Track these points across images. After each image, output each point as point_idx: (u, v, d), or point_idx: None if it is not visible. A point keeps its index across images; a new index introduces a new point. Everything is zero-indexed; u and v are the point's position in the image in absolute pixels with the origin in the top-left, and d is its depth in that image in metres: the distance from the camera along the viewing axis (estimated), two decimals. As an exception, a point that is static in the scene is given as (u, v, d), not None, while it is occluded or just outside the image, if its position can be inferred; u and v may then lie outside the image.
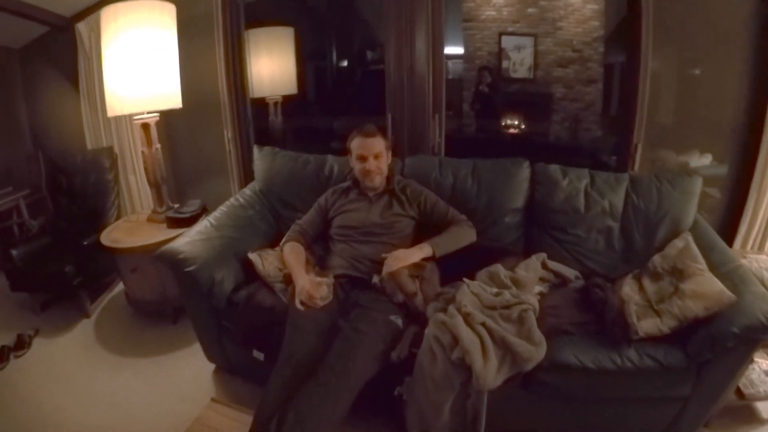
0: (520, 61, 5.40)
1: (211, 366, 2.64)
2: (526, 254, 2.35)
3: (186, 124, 3.61)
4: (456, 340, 1.80)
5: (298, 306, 2.03)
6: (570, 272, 2.25)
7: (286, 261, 2.30)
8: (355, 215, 2.39)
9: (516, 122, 3.98)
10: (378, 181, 2.39)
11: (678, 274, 2.06)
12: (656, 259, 2.19)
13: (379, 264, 2.18)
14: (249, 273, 2.38)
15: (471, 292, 2.00)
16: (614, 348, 1.90)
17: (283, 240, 2.42)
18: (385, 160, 2.39)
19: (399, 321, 1.99)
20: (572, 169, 2.46)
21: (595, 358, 1.88)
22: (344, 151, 2.47)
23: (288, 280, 2.27)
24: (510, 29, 5.55)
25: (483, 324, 1.85)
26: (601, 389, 1.96)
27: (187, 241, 2.37)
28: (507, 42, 5.52)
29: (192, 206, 3.12)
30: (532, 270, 2.15)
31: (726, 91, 2.72)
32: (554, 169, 2.44)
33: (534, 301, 1.94)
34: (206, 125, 3.53)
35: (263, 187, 2.93)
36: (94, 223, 3.27)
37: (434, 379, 1.81)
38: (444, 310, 1.97)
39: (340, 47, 4.07)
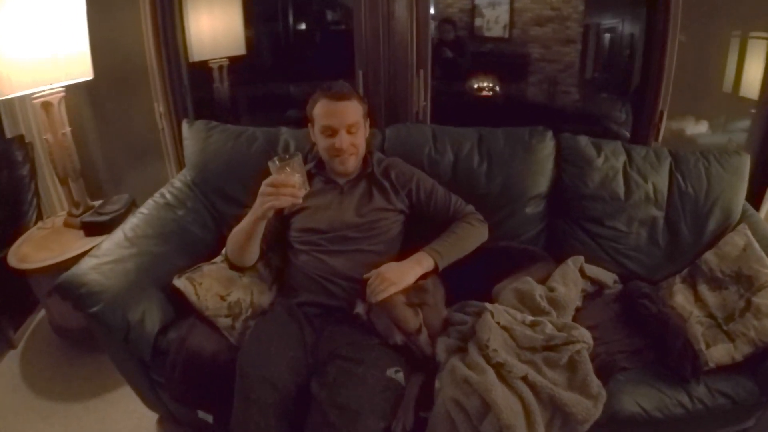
0: (494, 19, 4.86)
1: (154, 414, 2.03)
2: (550, 253, 1.84)
3: (106, 99, 2.74)
4: (486, 406, 1.29)
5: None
6: (609, 277, 1.76)
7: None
8: (321, 214, 1.74)
9: (487, 84, 3.41)
10: (352, 163, 1.74)
11: (746, 282, 1.62)
12: (710, 258, 1.74)
13: (361, 284, 1.57)
14: (180, 303, 1.69)
15: (498, 324, 1.47)
16: (680, 385, 1.46)
17: (225, 249, 1.77)
18: (363, 134, 1.75)
19: (400, 375, 1.42)
20: (604, 141, 1.91)
21: (661, 404, 1.43)
22: (303, 121, 1.80)
23: (234, 309, 1.67)
24: (484, -17, 4.98)
25: (524, 378, 1.34)
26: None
27: (95, 263, 1.65)
28: (480, -1, 4.99)
29: (116, 204, 2.36)
30: (572, 283, 1.64)
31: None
32: (585, 142, 1.89)
33: (587, 335, 1.44)
34: (132, 99, 2.68)
35: (196, 175, 2.14)
36: (10, 230, 2.43)
37: (456, 455, 1.32)
38: (461, 350, 1.45)
39: (297, 5, 3.28)
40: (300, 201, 1.49)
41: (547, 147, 1.89)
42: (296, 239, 1.75)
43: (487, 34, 4.85)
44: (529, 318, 1.50)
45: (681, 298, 1.68)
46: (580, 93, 3.36)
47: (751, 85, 2.30)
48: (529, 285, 1.59)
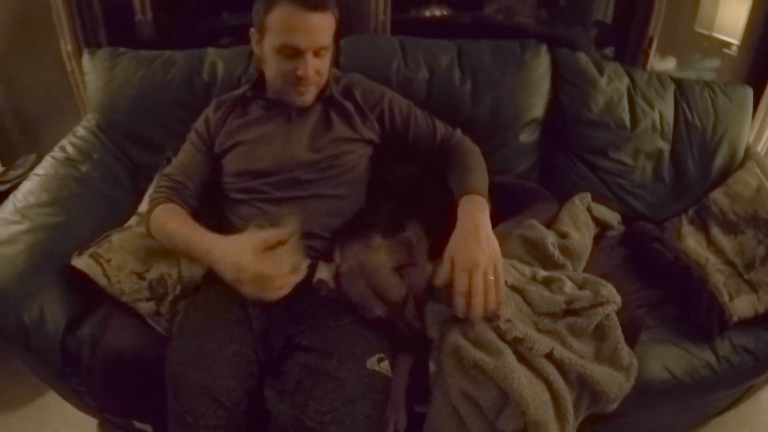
0: None
1: (94, 421, 1.60)
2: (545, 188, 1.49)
3: (5, 44, 2.03)
4: (504, 395, 0.97)
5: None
6: (614, 218, 1.46)
7: (167, 237, 1.19)
8: (262, 150, 1.27)
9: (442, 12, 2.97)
10: (312, 94, 1.26)
11: (764, 226, 1.38)
12: (720, 198, 1.48)
13: (333, 238, 1.19)
14: (89, 288, 1.23)
15: (507, 285, 1.11)
16: (705, 343, 1.23)
17: (149, 206, 1.27)
18: (330, 58, 1.26)
19: (386, 365, 1.04)
20: (602, 60, 1.57)
21: (690, 367, 1.20)
22: (239, 33, 1.32)
23: (158, 289, 1.22)
24: None
25: (548, 355, 1.02)
26: (686, 406, 1.31)
27: None
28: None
29: (21, 168, 1.81)
30: (584, 226, 1.31)
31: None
32: (585, 59, 1.53)
33: (616, 293, 1.12)
34: (37, 40, 2.00)
35: (101, 119, 1.62)
36: None
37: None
38: (455, 319, 1.06)
39: None
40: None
41: (542, 63, 1.52)
42: (231, 186, 1.29)
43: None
44: (542, 273, 1.16)
45: (692, 242, 1.42)
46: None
47: (725, 26, 2.05)
48: (538, 231, 1.24)
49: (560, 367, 1.02)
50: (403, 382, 1.07)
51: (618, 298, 1.10)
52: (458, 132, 1.37)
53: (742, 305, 1.27)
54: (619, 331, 1.09)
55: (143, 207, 1.42)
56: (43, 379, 1.40)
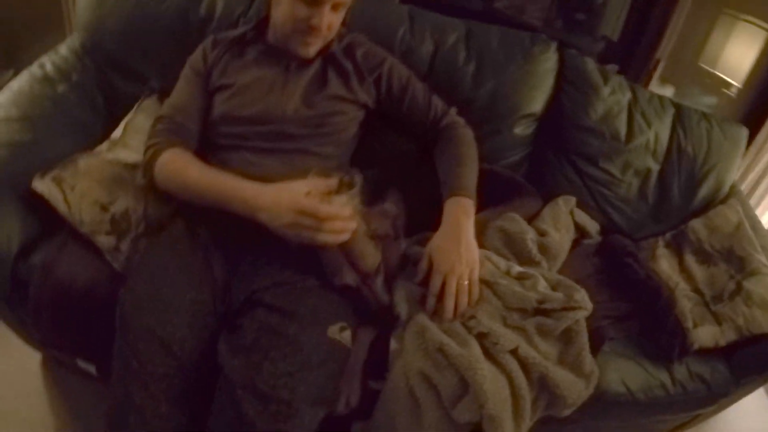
0: None
1: (38, 355, 1.53)
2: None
3: None
4: (464, 385, 0.93)
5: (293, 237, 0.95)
6: (593, 227, 1.43)
7: (187, 186, 1.07)
8: (253, 96, 1.18)
9: None
10: (318, 46, 1.19)
11: (737, 263, 1.37)
12: (698, 228, 1.46)
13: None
14: (48, 214, 1.14)
15: (481, 278, 1.07)
16: (663, 364, 1.22)
17: (149, 152, 1.13)
18: (342, 14, 1.18)
19: (347, 335, 0.99)
20: (609, 71, 1.52)
21: (646, 385, 1.19)
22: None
23: (121, 224, 1.15)
24: None
25: (514, 351, 0.98)
26: (632, 422, 1.29)
27: None
28: None
29: None
30: (564, 228, 1.27)
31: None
32: (592, 66, 1.48)
33: (588, 300, 1.09)
34: None
35: (87, 39, 1.50)
36: None
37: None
38: (425, 300, 1.04)
39: None
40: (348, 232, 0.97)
41: (550, 59, 1.46)
42: (215, 129, 1.20)
43: None
44: (517, 269, 1.11)
45: (666, 264, 1.40)
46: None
47: (730, 66, 2.06)
48: (518, 225, 1.20)
49: (524, 365, 0.98)
50: (361, 356, 1.02)
51: (590, 305, 1.07)
52: (453, 111, 1.31)
53: (705, 334, 1.25)
54: (585, 338, 1.06)
55: (116, 134, 1.33)
56: None
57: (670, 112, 1.54)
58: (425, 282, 1.05)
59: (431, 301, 1.03)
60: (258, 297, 0.99)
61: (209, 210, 1.06)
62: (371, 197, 1.10)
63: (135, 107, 1.40)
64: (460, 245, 1.05)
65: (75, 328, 1.13)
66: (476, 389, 0.91)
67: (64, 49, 1.50)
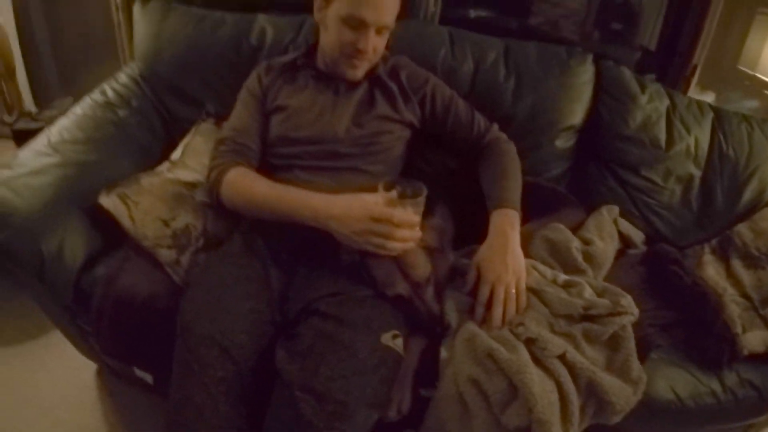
0: None
1: (93, 366, 1.60)
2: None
3: None
4: (513, 390, 0.96)
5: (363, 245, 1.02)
6: (638, 236, 1.44)
7: (254, 202, 1.14)
8: (307, 118, 1.25)
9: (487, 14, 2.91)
10: (365, 69, 1.26)
11: (786, 264, 1.36)
12: (744, 232, 1.45)
13: None
14: (111, 229, 1.23)
15: (527, 286, 1.10)
16: (712, 371, 1.20)
17: (214, 172, 1.20)
18: (387, 37, 1.26)
19: (399, 342, 1.03)
20: (646, 79, 1.54)
21: (695, 392, 1.17)
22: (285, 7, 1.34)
23: (181, 239, 1.22)
24: None
25: (561, 357, 1.00)
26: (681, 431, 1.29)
27: (6, 177, 1.19)
28: None
29: (56, 109, 1.82)
30: (608, 237, 1.29)
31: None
32: (629, 75, 1.50)
33: (634, 305, 1.10)
34: None
35: (146, 68, 1.61)
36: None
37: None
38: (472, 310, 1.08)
39: None
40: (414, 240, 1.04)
41: (587, 71, 1.49)
42: (272, 150, 1.27)
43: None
44: (563, 277, 1.14)
45: (712, 270, 1.40)
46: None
47: None
48: (562, 234, 1.22)
49: (572, 370, 1.00)
50: (412, 364, 1.06)
51: (636, 311, 1.08)
52: (495, 127, 1.35)
53: (755, 339, 1.23)
54: (632, 344, 1.07)
55: (176, 155, 1.42)
56: (49, 315, 1.39)
57: (709, 116, 1.54)
58: (474, 292, 1.09)
59: (479, 310, 1.07)
60: (314, 306, 1.04)
61: (267, 225, 1.13)
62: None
63: (192, 130, 1.49)
64: (507, 255, 1.08)
65: (134, 337, 1.19)
66: (525, 393, 0.93)
67: (123, 76, 1.62)
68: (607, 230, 1.30)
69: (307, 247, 1.11)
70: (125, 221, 1.20)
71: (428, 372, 1.06)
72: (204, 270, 1.15)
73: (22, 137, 1.67)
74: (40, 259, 1.14)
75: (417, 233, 1.04)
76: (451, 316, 1.08)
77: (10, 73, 1.84)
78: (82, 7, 2.12)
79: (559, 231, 1.23)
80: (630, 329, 1.07)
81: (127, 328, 1.17)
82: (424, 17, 1.78)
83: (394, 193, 1.02)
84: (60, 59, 2.25)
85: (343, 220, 1.01)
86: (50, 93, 2.19)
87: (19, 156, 1.29)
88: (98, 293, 1.17)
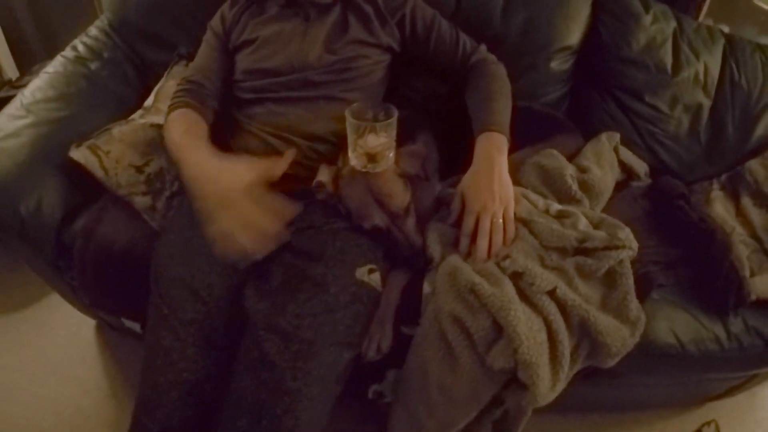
0: None
1: (92, 322, 1.63)
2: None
3: None
4: (498, 328, 0.83)
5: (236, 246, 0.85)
6: (641, 167, 1.28)
7: (173, 144, 1.03)
8: (276, 49, 1.13)
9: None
10: None
11: (799, 204, 1.21)
12: (756, 168, 1.30)
13: (328, 143, 1.09)
14: (89, 183, 1.18)
15: (516, 217, 0.97)
16: (717, 316, 1.08)
17: (168, 112, 1.13)
18: None
19: (376, 277, 0.94)
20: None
21: (698, 337, 1.05)
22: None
23: (155, 184, 1.18)
24: None
25: (551, 293, 0.87)
26: (683, 379, 1.17)
27: None
28: None
29: (37, 73, 1.61)
30: (607, 165, 1.13)
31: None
32: (631, -7, 1.34)
33: (633, 239, 0.96)
34: None
35: (114, 17, 1.49)
36: None
37: (447, 389, 0.87)
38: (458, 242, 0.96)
39: None
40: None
41: (584, -12, 1.31)
42: (240, 85, 1.16)
43: None
44: (556, 206, 1.00)
45: (720, 208, 1.25)
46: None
47: None
48: (556, 161, 1.07)
49: (563, 308, 0.87)
50: (393, 300, 0.95)
51: (635, 245, 0.94)
52: (483, 48, 1.19)
53: (763, 284, 1.10)
54: (631, 281, 0.93)
55: (149, 101, 1.34)
56: (42, 276, 1.38)
57: (720, 42, 1.37)
58: (459, 223, 0.97)
59: (464, 242, 0.95)
60: (280, 255, 0.93)
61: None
62: (400, 139, 1.00)
63: (165, 75, 1.40)
64: (493, 182, 0.95)
65: (118, 287, 1.15)
66: (509, 332, 0.80)
67: (93, 30, 1.52)
68: (606, 158, 1.14)
69: (280, 181, 0.99)
70: (98, 172, 1.16)
71: (411, 308, 0.95)
72: (177, 212, 1.09)
73: (2, 105, 1.53)
74: (19, 220, 1.12)
75: (390, 159, 0.93)
76: (435, 248, 0.95)
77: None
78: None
79: (552, 157, 1.08)
80: (628, 265, 0.93)
81: (110, 277, 1.14)
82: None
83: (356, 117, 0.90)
84: (39, 22, 2.11)
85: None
86: (32, 58, 2.06)
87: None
88: (78, 245, 1.12)
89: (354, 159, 0.94)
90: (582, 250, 0.93)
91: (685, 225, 1.16)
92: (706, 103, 1.34)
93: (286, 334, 0.83)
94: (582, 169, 1.09)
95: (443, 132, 1.17)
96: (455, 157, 1.10)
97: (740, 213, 1.27)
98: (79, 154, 1.16)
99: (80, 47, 1.46)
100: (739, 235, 1.20)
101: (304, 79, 1.11)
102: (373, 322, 0.93)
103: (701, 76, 1.33)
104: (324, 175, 1.00)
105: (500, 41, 1.26)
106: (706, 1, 1.64)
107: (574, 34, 1.31)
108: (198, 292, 0.90)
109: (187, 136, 1.02)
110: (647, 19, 1.32)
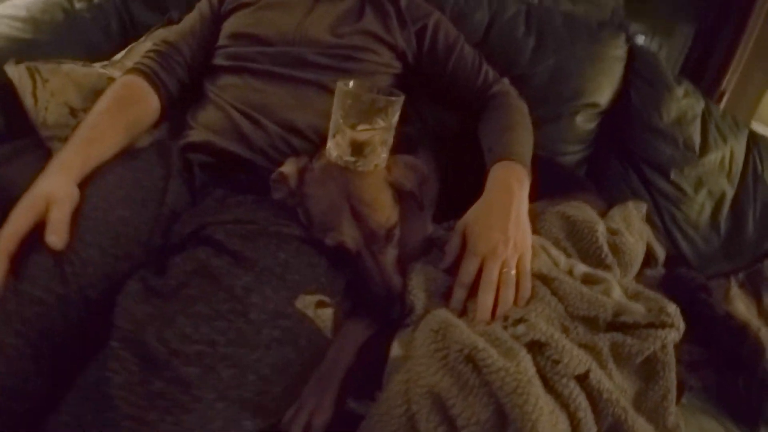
0: None
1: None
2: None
3: None
4: (502, 419, 0.58)
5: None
6: (661, 251, 1.11)
7: (88, 113, 0.83)
8: (271, 15, 0.96)
9: None
10: None
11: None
12: (779, 267, 1.17)
13: (306, 140, 0.86)
14: (20, 113, 0.98)
15: (534, 271, 0.75)
16: (748, 427, 0.88)
17: (128, 70, 0.95)
18: None
19: (327, 314, 0.65)
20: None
21: None
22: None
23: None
24: None
25: (583, 378, 0.63)
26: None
27: None
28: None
29: None
30: (637, 233, 0.95)
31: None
32: (664, 63, 1.23)
33: (680, 316, 0.75)
34: None
35: None
36: None
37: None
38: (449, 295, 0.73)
39: None
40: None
41: (619, 47, 1.20)
42: (222, 50, 0.96)
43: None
44: (582, 268, 0.79)
45: (742, 306, 1.09)
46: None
47: None
48: (586, 213, 0.87)
49: (593, 401, 0.63)
50: (345, 357, 0.68)
51: (683, 326, 0.73)
52: (506, 80, 1.04)
53: (794, 394, 0.93)
54: (674, 375, 0.72)
55: (118, 56, 1.19)
56: None
57: (745, 132, 1.28)
58: (455, 269, 0.73)
59: (459, 293, 0.71)
60: (208, 233, 0.67)
61: (196, 136, 0.85)
62: (398, 148, 0.79)
63: (145, 35, 1.25)
64: (508, 219, 0.74)
65: None
66: (524, 428, 0.57)
67: None
68: (636, 226, 0.95)
69: (238, 167, 0.79)
70: (27, 99, 0.97)
71: (368, 374, 0.67)
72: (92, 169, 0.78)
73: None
74: None
75: (381, 158, 0.72)
76: (418, 296, 0.71)
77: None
78: None
79: (580, 209, 0.88)
80: (672, 352, 0.73)
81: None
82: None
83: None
84: None
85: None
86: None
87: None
88: None
89: (334, 148, 0.71)
90: (617, 325, 0.72)
91: (710, 321, 0.98)
92: (730, 192, 1.21)
93: (154, 361, 0.53)
94: (612, 232, 0.90)
95: (446, 166, 0.96)
96: (455, 199, 0.87)
97: (763, 312, 1.10)
98: (13, 70, 0.99)
99: (73, -16, 1.30)
100: (765, 334, 1.03)
101: (297, 55, 0.92)
102: (309, 384, 0.64)
103: (726, 162, 1.21)
104: (290, 166, 0.75)
105: (525, 83, 1.13)
106: (722, 102, 1.59)
107: (604, 92, 1.19)
108: (62, 264, 0.61)
109: (91, 118, 0.81)
110: (679, 91, 1.22)
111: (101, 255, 0.63)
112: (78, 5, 1.27)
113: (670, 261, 1.16)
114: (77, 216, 0.64)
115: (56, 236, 0.60)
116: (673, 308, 0.73)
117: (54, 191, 0.64)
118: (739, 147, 1.24)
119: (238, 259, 0.63)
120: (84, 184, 0.68)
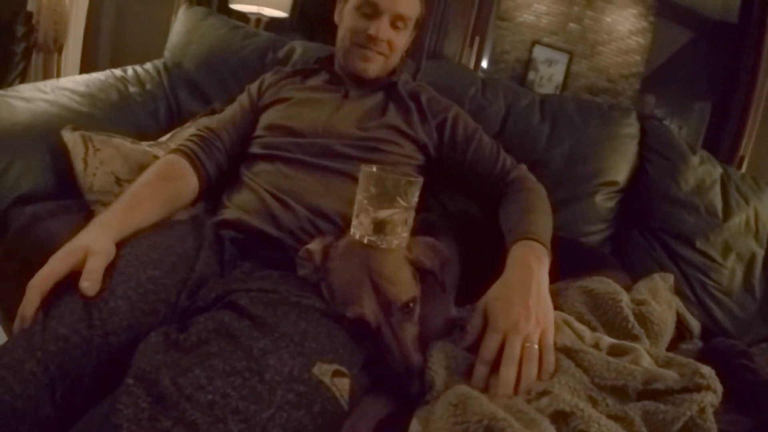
0: (548, 76, 4.58)
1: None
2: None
3: None
4: None
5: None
6: (695, 324, 1.09)
7: (132, 185, 0.93)
8: (304, 110, 1.07)
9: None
10: (377, 67, 1.08)
11: None
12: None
13: (333, 224, 0.93)
14: (68, 177, 1.10)
15: (557, 345, 0.76)
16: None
17: (171, 149, 1.06)
18: (407, 38, 1.12)
19: (343, 384, 0.66)
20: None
21: None
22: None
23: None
24: (545, 40, 4.84)
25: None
26: None
27: None
28: (539, 53, 4.77)
29: None
30: (665, 303, 0.97)
31: None
32: (677, 135, 1.29)
33: (716, 378, 0.73)
34: None
35: (170, 58, 1.58)
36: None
37: None
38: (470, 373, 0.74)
39: None
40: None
41: (631, 126, 1.27)
42: (258, 140, 1.08)
43: (537, 89, 4.61)
44: (608, 340, 0.80)
45: (787, 372, 1.06)
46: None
47: None
48: (608, 286, 0.90)
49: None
50: None
51: (720, 388, 0.72)
52: (523, 166, 1.12)
53: None
54: (714, 441, 0.72)
55: (165, 138, 1.31)
56: None
57: (766, 191, 1.29)
58: (476, 348, 0.75)
59: (481, 370, 0.72)
60: (232, 298, 0.71)
61: (229, 214, 0.97)
62: (418, 231, 0.85)
63: (190, 121, 1.39)
64: (529, 296, 0.77)
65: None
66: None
67: (149, 64, 1.59)
68: (663, 296, 0.97)
69: (266, 245, 0.90)
70: (78, 163, 1.08)
71: None
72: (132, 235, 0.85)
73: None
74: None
75: (402, 237, 0.78)
76: (438, 372, 0.72)
77: (57, 47, 1.80)
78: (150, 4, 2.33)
79: (602, 282, 0.91)
80: (711, 417, 0.72)
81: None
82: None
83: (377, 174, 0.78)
84: (116, 47, 2.37)
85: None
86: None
87: (18, 86, 1.27)
88: (15, 227, 1.00)
89: (357, 227, 0.77)
90: (649, 393, 0.72)
91: (754, 387, 0.96)
92: (760, 253, 1.22)
93: (164, 400, 0.55)
94: (638, 302, 0.92)
95: (467, 252, 0.99)
96: (477, 284, 0.89)
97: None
98: (69, 136, 1.10)
99: (129, 71, 1.51)
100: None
101: (326, 146, 1.02)
102: None
103: (752, 223, 1.23)
104: (316, 244, 0.82)
105: (542, 167, 1.21)
106: (743, 167, 1.61)
107: (620, 170, 1.25)
108: (91, 310, 0.65)
109: (128, 195, 0.88)
110: (695, 159, 1.26)
111: (129, 307, 0.67)
112: (132, 89, 1.44)
113: (707, 333, 1.14)
114: (111, 270, 0.70)
115: (89, 283, 0.66)
116: (707, 370, 0.73)
117: (93, 244, 0.71)
118: (763, 206, 1.26)
119: (258, 323, 0.66)
120: (120, 245, 0.75)
